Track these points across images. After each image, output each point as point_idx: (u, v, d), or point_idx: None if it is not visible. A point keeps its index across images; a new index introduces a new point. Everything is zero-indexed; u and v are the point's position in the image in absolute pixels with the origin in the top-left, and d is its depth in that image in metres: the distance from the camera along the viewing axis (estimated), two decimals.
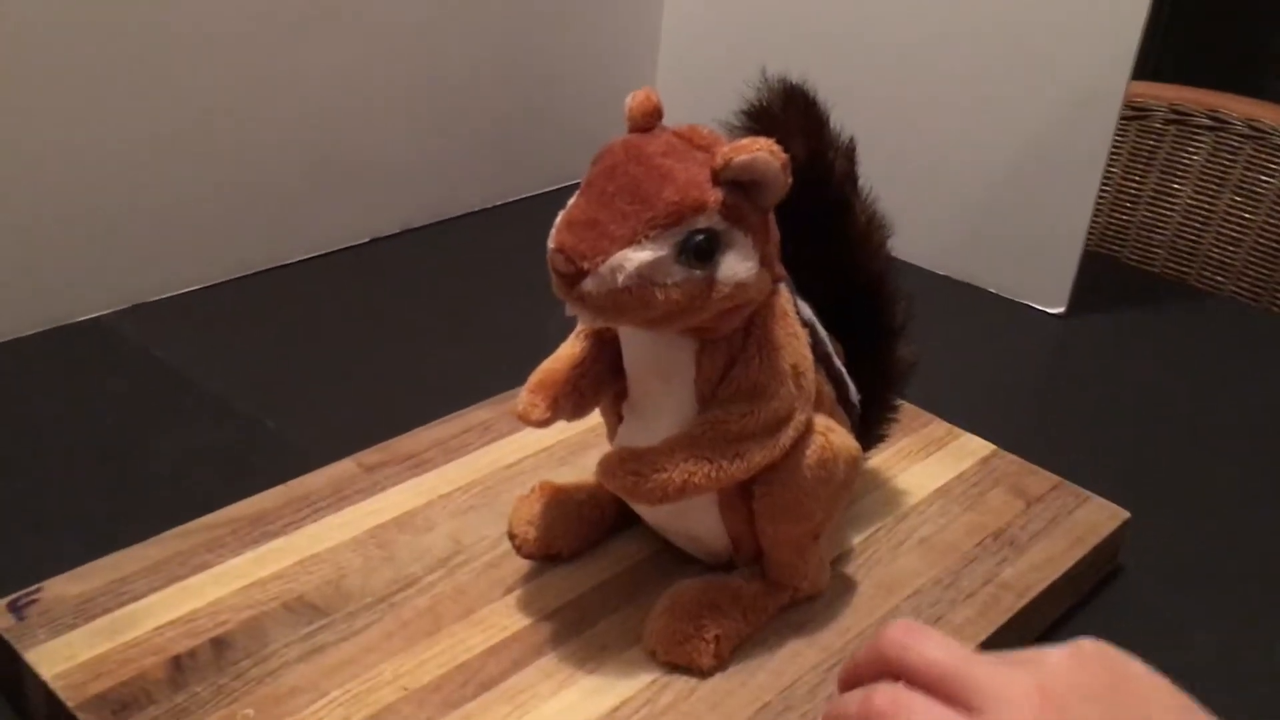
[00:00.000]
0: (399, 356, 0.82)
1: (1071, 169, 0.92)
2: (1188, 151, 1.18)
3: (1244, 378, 0.90)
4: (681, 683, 0.52)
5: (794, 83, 0.54)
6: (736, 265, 0.46)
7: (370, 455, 0.64)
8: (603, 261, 0.44)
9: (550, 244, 0.45)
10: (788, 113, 0.54)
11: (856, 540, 0.61)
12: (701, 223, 0.45)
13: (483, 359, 0.81)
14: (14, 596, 0.52)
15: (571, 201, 0.47)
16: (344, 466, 0.63)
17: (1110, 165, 1.20)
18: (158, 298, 0.85)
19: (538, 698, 0.50)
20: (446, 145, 1.01)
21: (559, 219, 0.46)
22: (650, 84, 1.16)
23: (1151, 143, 1.20)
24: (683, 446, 0.49)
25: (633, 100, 0.48)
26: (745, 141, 0.45)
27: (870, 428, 0.61)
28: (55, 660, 0.49)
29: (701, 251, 0.45)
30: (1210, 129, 1.17)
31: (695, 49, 1.11)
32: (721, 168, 0.45)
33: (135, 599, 0.53)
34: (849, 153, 0.57)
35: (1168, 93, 1.20)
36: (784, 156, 0.45)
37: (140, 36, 0.79)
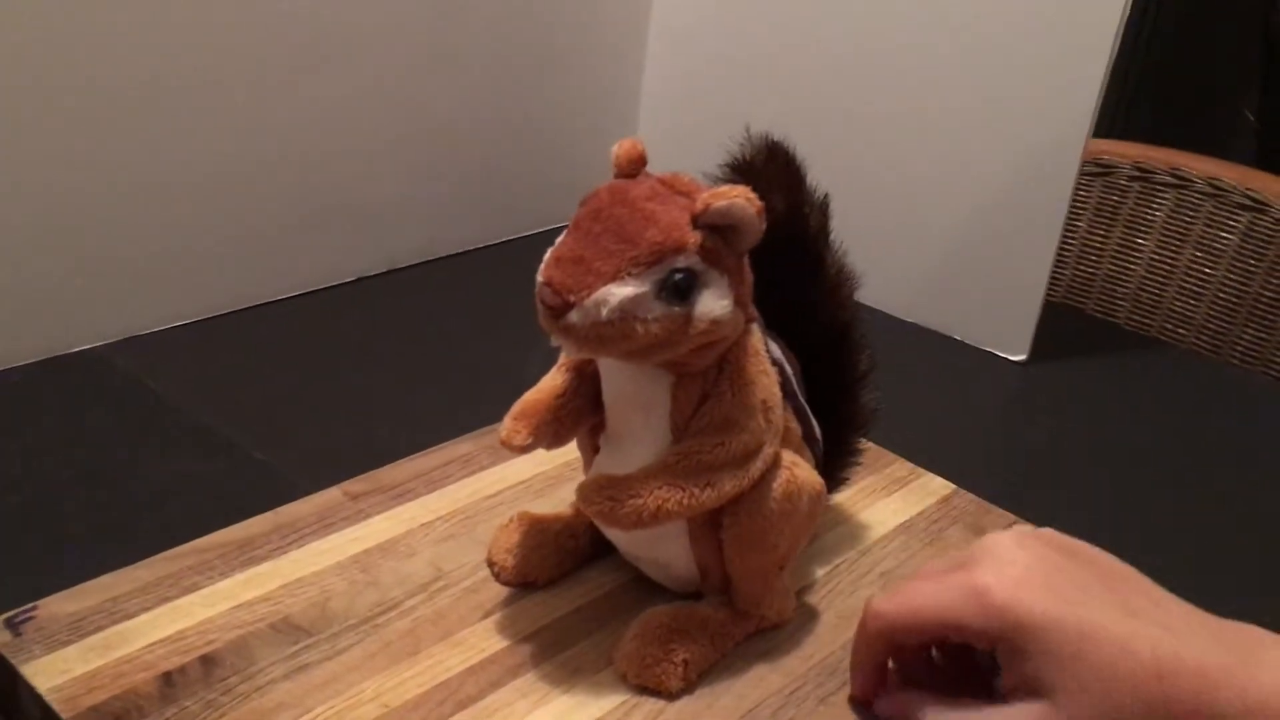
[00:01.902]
0: (384, 391, 0.84)
1: (1034, 221, 0.95)
2: (1151, 208, 1.22)
3: (1201, 426, 0.93)
4: (650, 704, 0.54)
5: (775, 140, 0.58)
6: (712, 303, 0.49)
7: (355, 485, 0.66)
8: (588, 295, 0.47)
9: (539, 278, 0.48)
10: (769, 168, 0.58)
11: (820, 573, 0.64)
12: (681, 262, 0.48)
13: (464, 395, 0.83)
14: (11, 614, 0.54)
15: (560, 240, 0.50)
16: (330, 495, 0.65)
17: (1075, 220, 1.24)
18: (150, 330, 0.87)
19: (513, 716, 0.52)
20: (432, 189, 1.04)
21: (548, 255, 0.49)
22: (632, 132, 1.20)
23: (1116, 198, 1.24)
24: (657, 475, 0.52)
25: (619, 148, 0.51)
26: (724, 189, 0.49)
27: (833, 470, 0.64)
28: (50, 674, 0.51)
29: (680, 289, 0.48)
30: (1173, 186, 1.21)
31: (675, 100, 1.15)
32: (701, 212, 0.48)
33: (127, 618, 0.55)
34: (823, 208, 0.60)
35: (1132, 151, 1.24)
36: (759, 204, 0.49)
37: (134, 78, 0.82)
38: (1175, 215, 1.21)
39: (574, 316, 0.47)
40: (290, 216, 0.94)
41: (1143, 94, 1.93)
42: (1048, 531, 0.53)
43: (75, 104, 0.79)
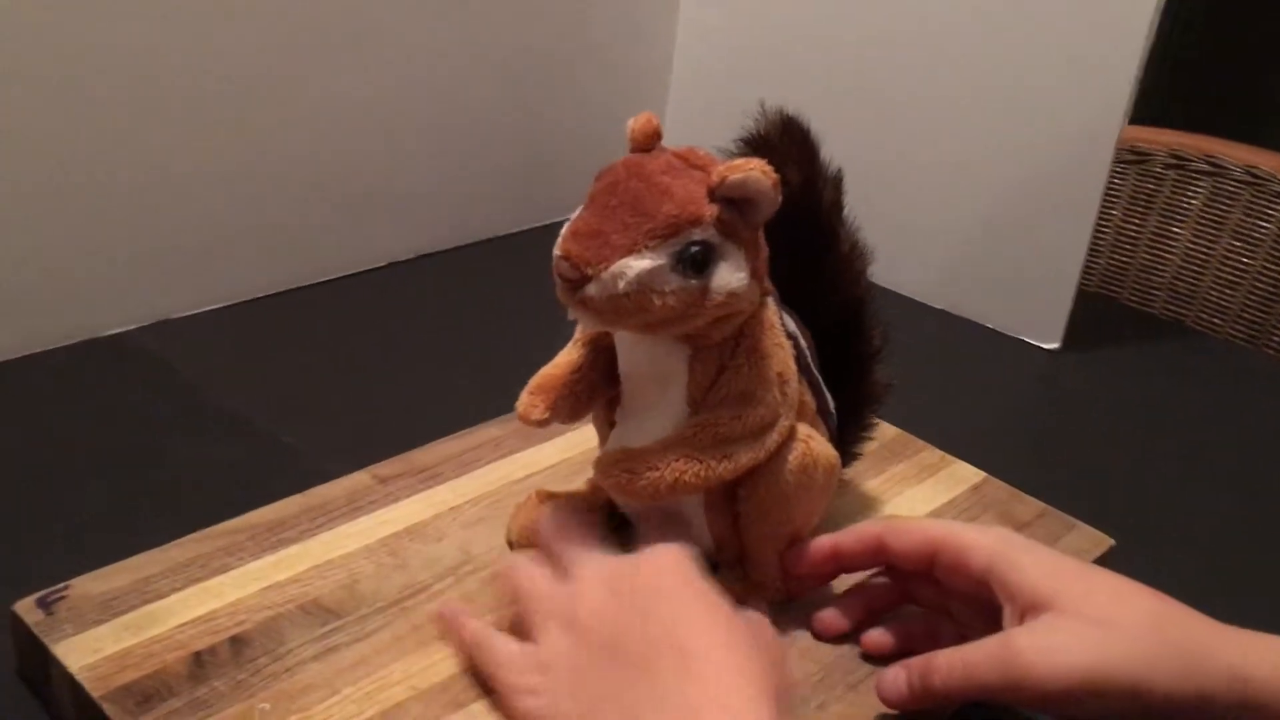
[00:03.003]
0: (413, 375, 0.85)
1: (1067, 209, 0.94)
2: (1187, 196, 1.21)
3: (1235, 416, 0.92)
4: None
5: (790, 114, 0.57)
6: (729, 276, 0.49)
7: (384, 468, 0.66)
8: (605, 268, 0.47)
9: (556, 251, 0.48)
10: (784, 142, 0.57)
11: None
12: (697, 235, 0.48)
13: (494, 379, 0.82)
14: (43, 593, 0.55)
15: (577, 213, 0.50)
16: (359, 478, 0.65)
17: (1110, 208, 1.23)
18: (181, 315, 0.88)
19: None
20: (462, 175, 1.04)
21: (565, 229, 0.49)
22: (662, 118, 1.19)
23: (1151, 187, 1.23)
24: (674, 447, 0.52)
25: (635, 122, 0.51)
26: (739, 161, 0.48)
27: (846, 445, 0.64)
28: (82, 654, 0.52)
29: (697, 262, 0.48)
30: (1209, 174, 1.20)
31: (705, 85, 1.14)
32: (717, 185, 0.48)
33: (158, 598, 0.55)
34: (837, 182, 0.60)
35: (1167, 138, 1.22)
36: (775, 176, 0.48)
37: (168, 67, 0.82)
38: (1211, 203, 1.20)
39: (592, 289, 0.47)
40: (322, 203, 0.95)
41: (1179, 80, 1.90)
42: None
43: (110, 92, 0.80)
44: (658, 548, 0.49)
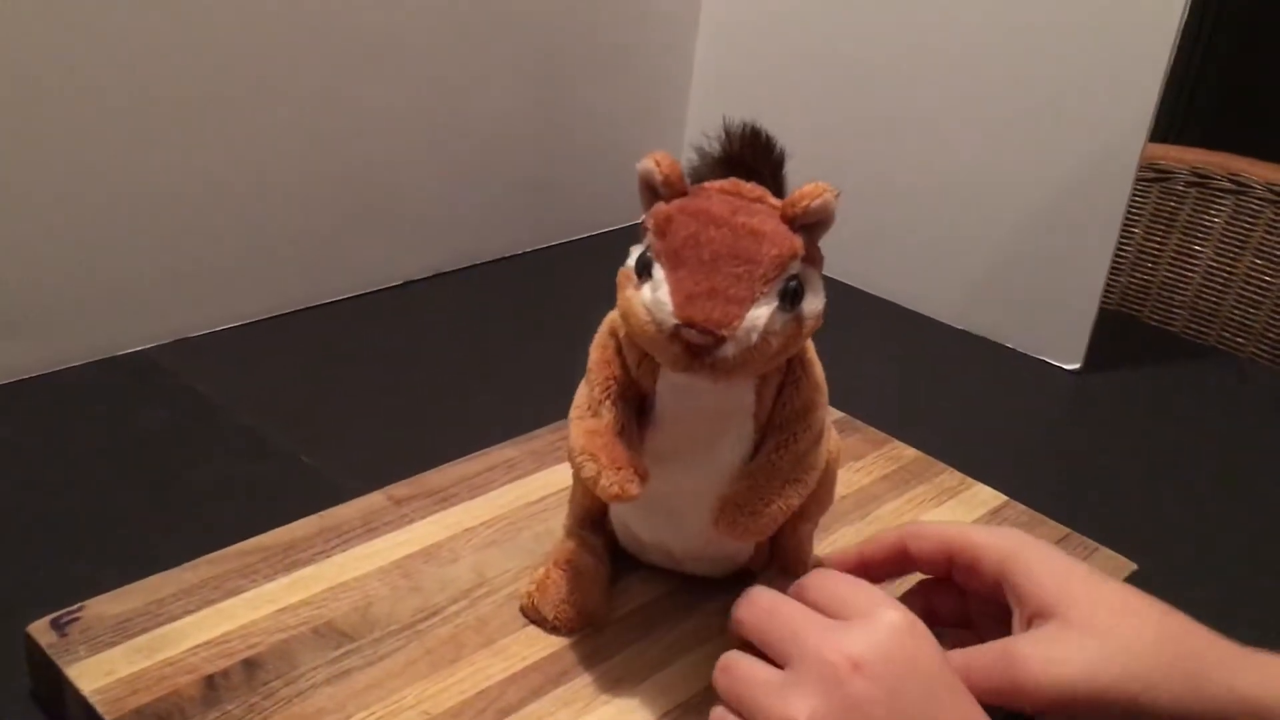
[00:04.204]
0: (428, 395, 0.84)
1: (1089, 227, 0.94)
2: (1209, 214, 1.20)
3: (1259, 436, 0.91)
4: (696, 713, 0.53)
5: (756, 126, 0.56)
6: (814, 300, 0.50)
7: (399, 489, 0.66)
8: (739, 325, 0.47)
9: (675, 319, 0.47)
10: (755, 157, 0.54)
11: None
12: (794, 269, 0.48)
13: (508, 400, 0.83)
14: (57, 614, 0.54)
15: (670, 278, 0.48)
16: (374, 499, 0.65)
17: (1131, 226, 1.22)
18: (199, 333, 0.88)
19: None
20: (477, 194, 1.04)
21: (669, 297, 0.47)
22: (679, 137, 1.19)
23: (1173, 205, 1.22)
24: (771, 478, 0.52)
25: (662, 168, 0.50)
26: (808, 188, 0.49)
27: None
28: (95, 676, 0.52)
29: (795, 295, 0.49)
30: (1231, 192, 1.19)
31: (724, 105, 1.14)
32: (799, 215, 0.49)
33: (171, 620, 0.55)
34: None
35: (1189, 156, 1.22)
36: (837, 190, 0.49)
37: (180, 86, 0.82)
38: (1234, 221, 1.19)
39: (729, 349, 0.47)
40: (337, 221, 0.95)
41: (1201, 98, 1.90)
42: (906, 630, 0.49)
43: (125, 111, 0.80)
44: (901, 622, 0.46)
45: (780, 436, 0.53)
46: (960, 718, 0.44)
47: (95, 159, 0.80)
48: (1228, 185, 1.19)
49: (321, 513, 0.64)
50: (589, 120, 1.10)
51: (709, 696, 0.54)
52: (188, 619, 0.55)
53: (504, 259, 1.07)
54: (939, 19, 0.98)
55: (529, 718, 0.52)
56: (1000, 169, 0.98)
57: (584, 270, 1.02)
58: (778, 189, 0.55)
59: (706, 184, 0.51)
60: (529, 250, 1.08)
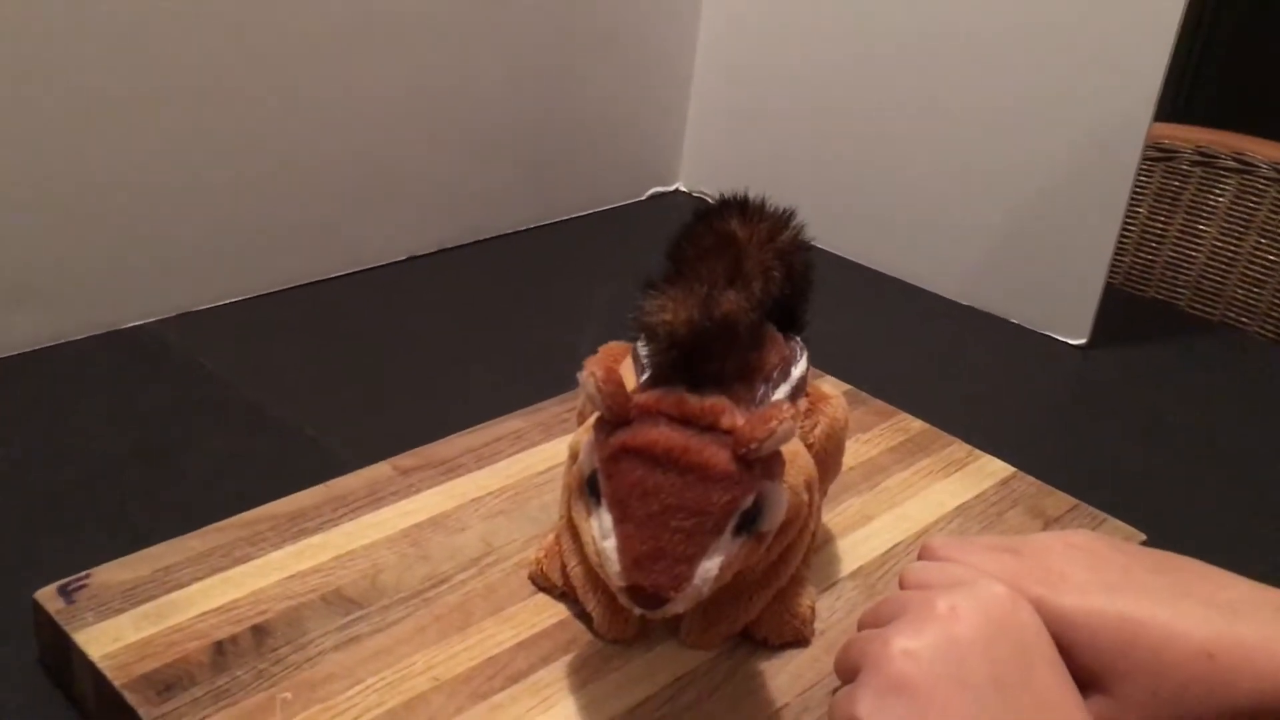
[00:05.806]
0: (434, 369, 0.84)
1: (1095, 206, 0.94)
2: (1213, 193, 1.20)
3: (1264, 410, 0.91)
4: (703, 681, 0.53)
5: (740, 197, 0.54)
6: (776, 512, 0.48)
7: (405, 459, 0.66)
8: (688, 585, 0.45)
9: (622, 583, 0.45)
10: (710, 353, 0.50)
11: (876, 554, 0.63)
12: (748, 502, 0.46)
13: (514, 372, 0.83)
14: (64, 581, 0.54)
15: (617, 531, 0.45)
16: (380, 469, 0.65)
17: (1136, 205, 1.22)
18: (204, 307, 0.88)
19: (563, 692, 0.52)
20: (483, 170, 1.04)
21: (616, 556, 0.45)
22: (684, 116, 1.19)
23: (1177, 184, 1.22)
24: (739, 594, 0.54)
25: (602, 388, 0.46)
26: (757, 416, 0.45)
27: None
28: (103, 642, 0.51)
29: (753, 520, 0.47)
30: (1236, 171, 1.18)
31: (728, 81, 1.14)
32: (752, 452, 0.45)
33: (179, 587, 0.55)
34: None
35: (1194, 135, 1.21)
36: (793, 409, 0.46)
37: (187, 63, 0.82)
38: (1238, 201, 1.18)
39: (677, 605, 0.45)
40: (341, 197, 0.94)
41: (1206, 77, 1.89)
42: (1086, 532, 0.52)
43: (132, 87, 0.80)
44: (1004, 592, 0.45)
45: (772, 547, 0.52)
46: (1053, 687, 0.44)
47: (100, 133, 0.79)
48: (1232, 164, 1.18)
49: (328, 482, 0.63)
50: (592, 97, 1.10)
51: (717, 662, 0.54)
52: (195, 586, 0.55)
53: (507, 235, 1.06)
54: (945, 1, 0.98)
55: (538, 684, 0.52)
56: (1008, 148, 0.97)
57: (586, 246, 1.02)
58: (738, 368, 0.51)
59: (655, 399, 0.47)
60: (532, 226, 1.08)
